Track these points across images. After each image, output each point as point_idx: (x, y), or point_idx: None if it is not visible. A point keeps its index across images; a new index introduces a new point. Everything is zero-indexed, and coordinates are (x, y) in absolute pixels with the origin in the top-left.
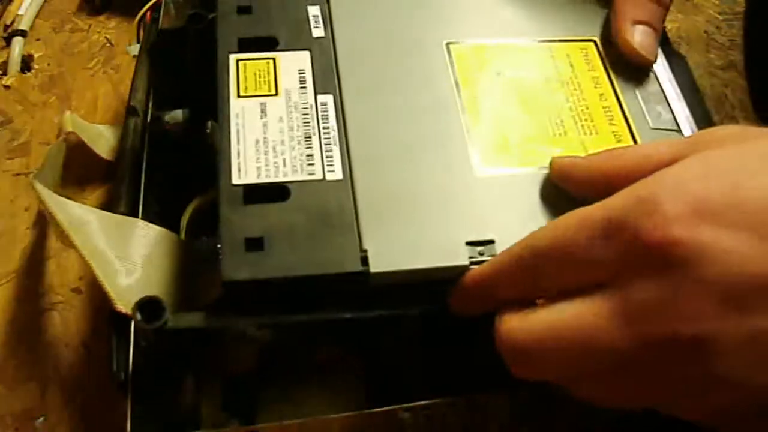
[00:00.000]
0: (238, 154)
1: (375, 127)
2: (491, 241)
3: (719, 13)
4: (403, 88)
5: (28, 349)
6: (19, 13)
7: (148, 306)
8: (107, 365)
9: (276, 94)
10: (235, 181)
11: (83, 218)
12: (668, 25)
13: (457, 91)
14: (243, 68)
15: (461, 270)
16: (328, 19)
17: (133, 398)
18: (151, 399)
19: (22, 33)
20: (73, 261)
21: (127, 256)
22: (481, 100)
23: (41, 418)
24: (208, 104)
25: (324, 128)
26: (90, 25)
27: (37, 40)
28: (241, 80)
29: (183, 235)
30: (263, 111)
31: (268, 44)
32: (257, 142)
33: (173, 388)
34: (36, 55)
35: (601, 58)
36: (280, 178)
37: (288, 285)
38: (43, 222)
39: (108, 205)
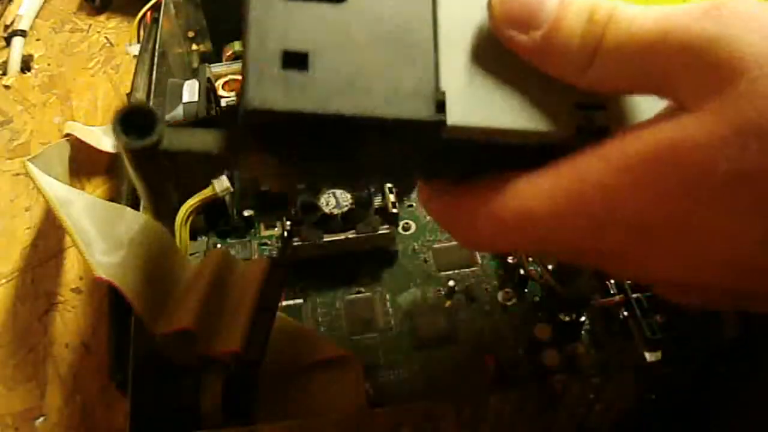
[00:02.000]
0: None
1: None
2: (602, 107)
3: None
4: None
5: (28, 349)
6: (19, 13)
7: (133, 117)
8: (107, 365)
9: None
10: None
11: (70, 198)
12: None
13: None
14: None
15: (562, 139)
16: None
17: (133, 398)
18: (151, 399)
19: (22, 33)
20: (73, 261)
21: (111, 236)
22: None
23: (41, 418)
24: None
25: None
26: (90, 25)
27: (37, 40)
28: None
29: (177, 234)
30: None
31: None
32: None
33: (173, 388)
34: (36, 55)
35: None
36: None
37: (334, 125)
38: (43, 222)
39: (114, 179)
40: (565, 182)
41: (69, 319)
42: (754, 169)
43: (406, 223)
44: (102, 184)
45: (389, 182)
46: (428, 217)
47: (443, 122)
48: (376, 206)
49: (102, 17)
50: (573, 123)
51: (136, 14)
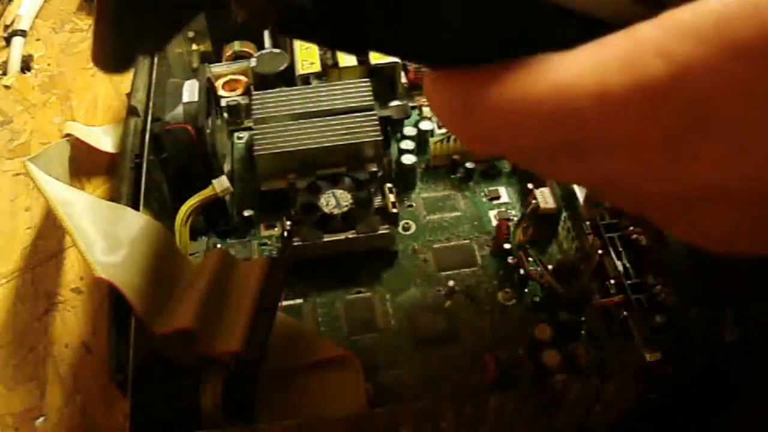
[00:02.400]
0: None
1: None
2: None
3: None
4: None
5: (28, 349)
6: (19, 13)
7: None
8: (107, 365)
9: None
10: None
11: (70, 197)
12: None
13: None
14: None
15: (620, 8)
16: None
17: (133, 398)
18: (151, 399)
19: (22, 33)
20: (73, 261)
21: (111, 236)
22: None
23: (41, 418)
24: None
25: None
26: (90, 25)
27: (37, 40)
28: None
29: (177, 234)
30: None
31: None
32: None
33: (173, 388)
34: (36, 55)
35: None
36: None
37: None
38: (43, 222)
39: (114, 179)
40: (618, 49)
41: (69, 319)
42: None
43: (406, 223)
44: (102, 184)
45: (400, 48)
46: (428, 217)
47: None
48: (376, 206)
49: None
50: None
51: None
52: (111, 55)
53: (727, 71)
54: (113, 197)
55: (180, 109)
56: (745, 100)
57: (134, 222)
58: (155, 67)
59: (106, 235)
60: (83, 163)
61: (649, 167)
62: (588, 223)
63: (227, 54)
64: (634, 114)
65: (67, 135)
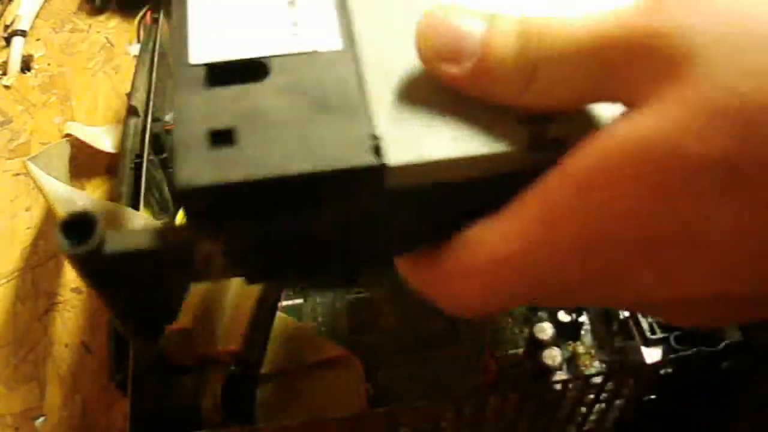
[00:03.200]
0: (197, 25)
1: None
2: (551, 120)
3: None
4: None
5: (28, 349)
6: (19, 13)
7: (73, 224)
8: (107, 365)
9: None
10: (192, 59)
11: (70, 197)
12: None
13: None
14: None
15: (516, 161)
16: None
17: (133, 398)
18: (151, 399)
19: (22, 33)
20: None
21: None
22: None
23: (41, 418)
24: None
25: None
26: (90, 25)
27: (37, 40)
28: None
29: None
30: None
31: None
32: (223, 11)
33: (173, 388)
34: (36, 55)
35: None
36: (255, 53)
37: (269, 190)
38: (43, 222)
39: (114, 180)
40: (532, 211)
41: (69, 319)
42: (729, 147)
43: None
44: (102, 184)
45: (358, 265)
46: None
47: (383, 165)
48: None
49: (102, 17)
50: (524, 139)
51: (136, 14)
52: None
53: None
54: (113, 197)
55: None
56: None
57: (134, 222)
58: (155, 67)
59: None
60: (83, 163)
61: (611, 297)
62: None
63: None
64: (569, 263)
65: (67, 135)
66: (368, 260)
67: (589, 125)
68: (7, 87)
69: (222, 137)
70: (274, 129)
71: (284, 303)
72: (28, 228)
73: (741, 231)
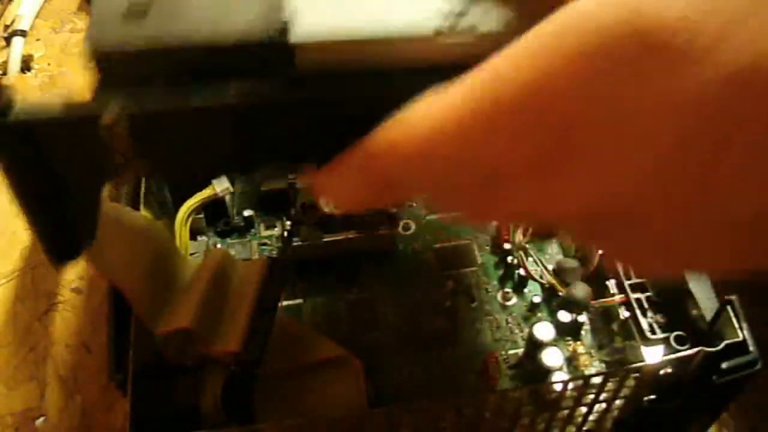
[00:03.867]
0: None
1: None
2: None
3: None
4: None
5: (28, 349)
6: (19, 13)
7: None
8: (107, 365)
9: None
10: None
11: None
12: None
13: None
14: None
15: (425, 45)
16: None
17: (133, 398)
18: (151, 399)
19: (22, 33)
20: (73, 261)
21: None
22: None
23: (41, 418)
24: None
25: None
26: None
27: (37, 40)
28: None
29: (177, 234)
30: None
31: None
32: None
33: (173, 388)
34: (36, 55)
35: None
36: None
37: (174, 59)
38: None
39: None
40: (477, 85)
41: (69, 319)
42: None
43: (406, 223)
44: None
45: (260, 159)
46: (428, 217)
47: (289, 42)
48: None
49: None
50: (439, 24)
51: None
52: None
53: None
54: (113, 197)
55: None
56: (591, 112)
57: (134, 221)
58: None
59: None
60: None
61: (532, 192)
62: None
63: None
64: (502, 138)
65: None
66: (275, 153)
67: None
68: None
69: (137, 12)
70: (185, 4)
71: (284, 303)
72: (28, 228)
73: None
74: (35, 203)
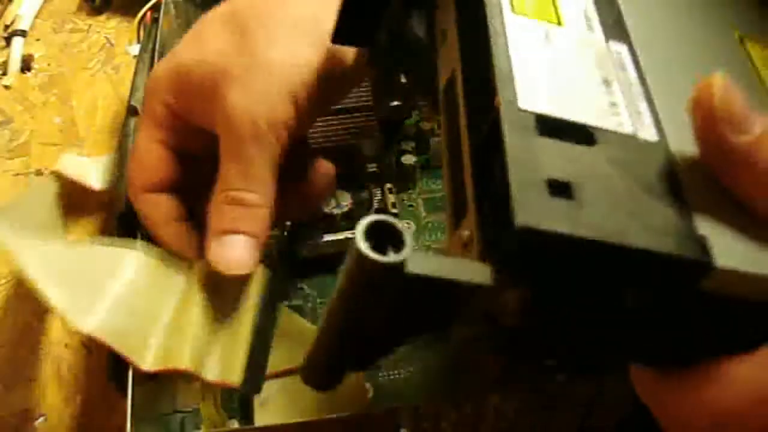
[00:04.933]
0: (522, 74)
1: (678, 90)
2: None
3: None
4: (699, 61)
5: (28, 349)
6: (19, 13)
7: (379, 230)
8: (107, 365)
9: (559, 24)
10: (522, 104)
11: (36, 255)
12: None
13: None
14: None
15: None
16: None
17: (133, 398)
18: (151, 400)
19: (22, 33)
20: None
21: (91, 286)
22: None
23: (41, 418)
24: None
25: (623, 77)
26: (90, 25)
27: (37, 40)
28: None
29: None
30: (547, 38)
31: None
32: (545, 67)
33: (173, 388)
34: (36, 55)
35: None
36: (582, 118)
37: (601, 254)
38: None
39: (107, 215)
40: None
41: None
42: None
43: (406, 223)
44: (90, 223)
45: (624, 361)
46: (428, 217)
47: (710, 264)
48: (376, 206)
49: (102, 17)
50: None
51: (136, 14)
52: (321, 377)
53: None
54: (112, 198)
55: None
56: None
57: (114, 263)
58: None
59: (88, 287)
60: (71, 203)
61: None
62: None
63: None
64: None
65: (53, 172)
66: (624, 355)
67: None
68: (7, 87)
69: (561, 188)
70: (606, 196)
71: (284, 303)
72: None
73: None
74: (346, 339)
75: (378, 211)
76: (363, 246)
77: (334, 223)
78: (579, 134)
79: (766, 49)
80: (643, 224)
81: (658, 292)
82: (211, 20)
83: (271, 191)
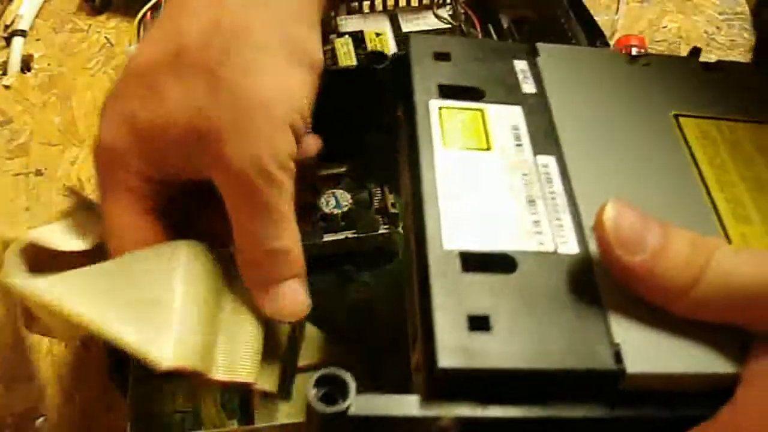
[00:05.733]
0: (449, 214)
1: (606, 197)
2: None
3: (719, 14)
4: (632, 159)
5: (28, 349)
6: (19, 13)
7: (326, 382)
8: (107, 365)
9: (488, 149)
10: (447, 245)
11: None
12: (668, 25)
13: (695, 168)
14: (447, 117)
15: (734, 377)
16: (536, 76)
17: (133, 398)
18: (150, 399)
19: (22, 33)
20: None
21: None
22: (725, 182)
23: (41, 418)
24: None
25: (550, 192)
26: (90, 25)
27: (37, 40)
28: (446, 130)
29: None
30: (475, 167)
31: (473, 95)
32: (471, 201)
33: (173, 388)
34: (36, 55)
35: None
36: (504, 247)
37: (515, 379)
38: (44, 222)
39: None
40: None
41: None
42: None
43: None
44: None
45: None
46: None
47: (623, 371)
48: (376, 206)
49: (102, 17)
50: (741, 360)
51: (136, 14)
52: None
53: None
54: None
55: None
56: None
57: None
58: None
59: (143, 307)
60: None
61: None
62: None
63: None
64: None
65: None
66: None
67: None
68: (7, 87)
69: (480, 323)
70: (522, 321)
71: None
72: (28, 228)
73: None
74: None
75: (378, 211)
76: (311, 396)
77: (334, 223)
78: (501, 263)
79: (701, 123)
80: (558, 344)
81: (578, 399)
82: (156, 70)
83: (296, 225)
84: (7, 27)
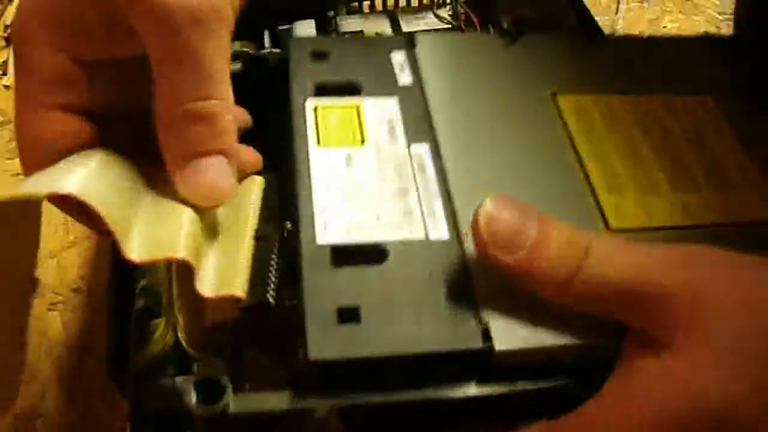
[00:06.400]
0: (322, 210)
1: (480, 181)
2: None
3: (719, 13)
4: (507, 139)
5: (28, 349)
6: None
7: (205, 386)
8: (107, 365)
9: (362, 143)
10: (320, 240)
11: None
12: (668, 25)
13: (570, 143)
14: (323, 115)
15: (606, 348)
16: (414, 66)
17: (133, 398)
18: (150, 399)
19: None
20: (73, 261)
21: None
22: (599, 155)
23: (41, 418)
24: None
25: (422, 181)
26: None
27: None
28: (321, 128)
29: None
30: (349, 162)
31: (349, 90)
32: (344, 196)
33: (173, 388)
34: None
35: (722, 115)
36: (375, 238)
37: (388, 365)
38: (43, 222)
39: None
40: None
41: (69, 319)
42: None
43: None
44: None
45: None
46: None
47: (491, 348)
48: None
49: None
50: (610, 332)
51: None
52: None
53: None
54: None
55: None
56: None
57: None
58: None
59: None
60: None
61: None
62: None
63: None
64: None
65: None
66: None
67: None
68: (7, 87)
69: (349, 315)
70: (392, 309)
71: (285, 304)
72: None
73: None
74: None
75: None
76: (191, 401)
77: None
78: (372, 254)
79: (580, 100)
80: (429, 328)
81: (457, 378)
82: None
83: (230, 89)
84: (7, 27)
